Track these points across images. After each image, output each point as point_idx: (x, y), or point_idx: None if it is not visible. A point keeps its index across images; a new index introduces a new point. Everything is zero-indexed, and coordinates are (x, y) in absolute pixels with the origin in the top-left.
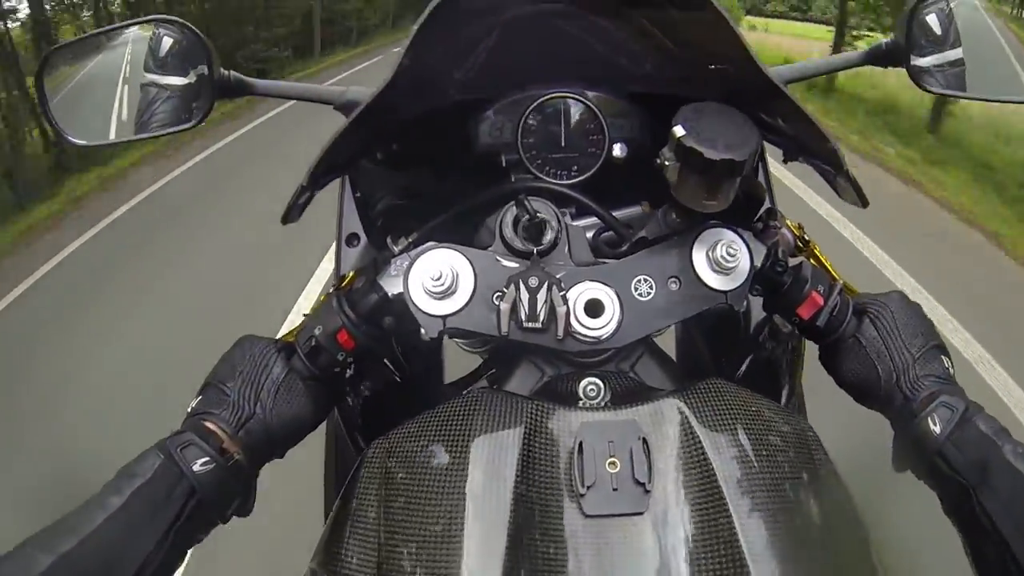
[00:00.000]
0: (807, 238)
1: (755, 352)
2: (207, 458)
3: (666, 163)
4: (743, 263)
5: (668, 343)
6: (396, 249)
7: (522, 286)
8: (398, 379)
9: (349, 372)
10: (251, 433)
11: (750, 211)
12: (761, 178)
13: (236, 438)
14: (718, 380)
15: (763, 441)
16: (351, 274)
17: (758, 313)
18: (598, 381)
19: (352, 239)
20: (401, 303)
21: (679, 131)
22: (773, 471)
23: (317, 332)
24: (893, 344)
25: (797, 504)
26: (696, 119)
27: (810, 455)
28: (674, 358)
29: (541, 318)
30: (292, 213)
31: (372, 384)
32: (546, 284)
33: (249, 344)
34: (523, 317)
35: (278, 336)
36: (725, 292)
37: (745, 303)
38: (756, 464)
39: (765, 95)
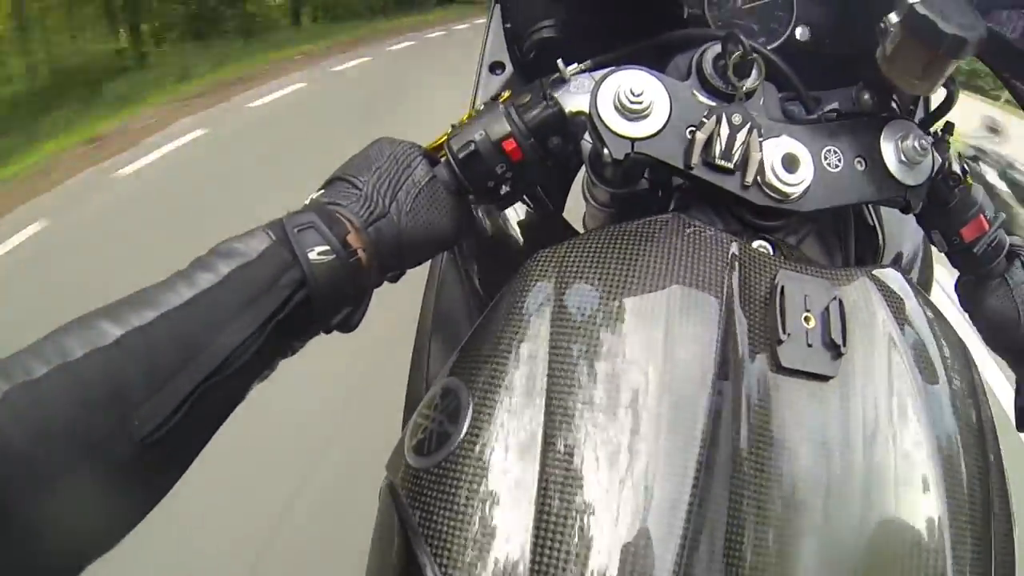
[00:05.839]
0: (967, 168)
1: None
2: (327, 247)
3: (889, 29)
4: (927, 162)
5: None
6: (567, 72)
7: (724, 120)
8: (534, 212)
9: (504, 188)
10: (380, 232)
11: (931, 120)
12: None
13: (364, 232)
14: (894, 270)
15: (942, 336)
16: (507, 93)
17: (893, 245)
18: (768, 245)
19: (496, 67)
20: (577, 122)
21: None
22: (951, 369)
23: (478, 137)
24: None
25: (970, 406)
26: None
27: (967, 361)
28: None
29: (735, 159)
30: None
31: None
32: (748, 125)
33: (389, 143)
34: (716, 153)
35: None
36: (906, 187)
37: (919, 204)
38: (937, 357)
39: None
